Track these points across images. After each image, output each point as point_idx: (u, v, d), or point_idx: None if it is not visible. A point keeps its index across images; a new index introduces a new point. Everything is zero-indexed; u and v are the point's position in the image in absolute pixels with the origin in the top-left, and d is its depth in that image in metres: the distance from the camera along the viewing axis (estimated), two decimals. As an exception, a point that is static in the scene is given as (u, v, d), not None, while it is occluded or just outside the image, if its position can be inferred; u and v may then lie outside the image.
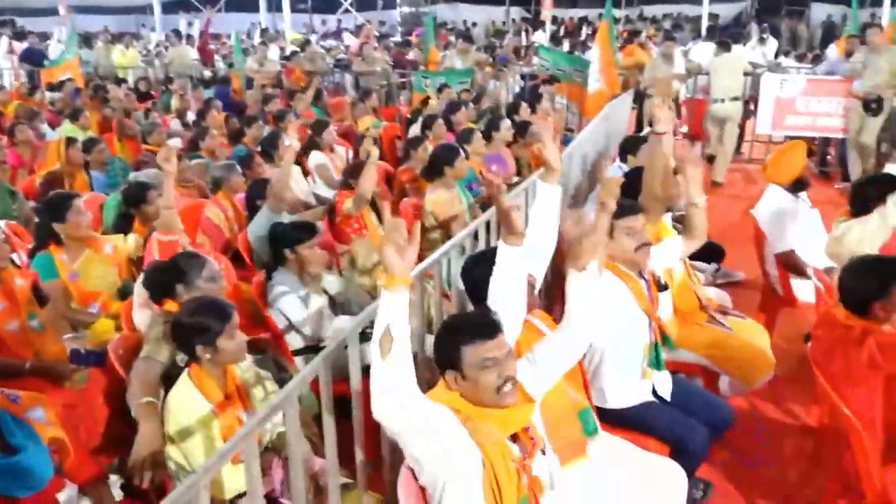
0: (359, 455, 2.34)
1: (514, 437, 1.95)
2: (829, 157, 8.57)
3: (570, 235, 2.21)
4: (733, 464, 3.24)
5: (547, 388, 2.16)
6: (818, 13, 18.67)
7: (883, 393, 2.41)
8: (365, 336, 2.87)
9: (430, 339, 2.98)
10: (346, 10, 23.41)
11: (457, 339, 1.93)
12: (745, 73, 8.47)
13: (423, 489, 2.00)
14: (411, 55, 13.34)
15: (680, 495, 2.35)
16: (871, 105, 7.25)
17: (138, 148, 6.44)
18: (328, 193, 5.38)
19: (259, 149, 5.48)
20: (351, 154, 6.17)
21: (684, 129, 9.22)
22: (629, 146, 5.17)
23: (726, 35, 8.88)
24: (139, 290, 3.02)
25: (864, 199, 3.40)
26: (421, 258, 3.83)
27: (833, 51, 10.55)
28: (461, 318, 2.03)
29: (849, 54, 8.33)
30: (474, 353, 1.90)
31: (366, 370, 2.35)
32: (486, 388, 1.90)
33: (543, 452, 2.03)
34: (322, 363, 2.06)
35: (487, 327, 1.95)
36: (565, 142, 6.57)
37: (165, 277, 2.76)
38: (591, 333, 2.26)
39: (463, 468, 1.84)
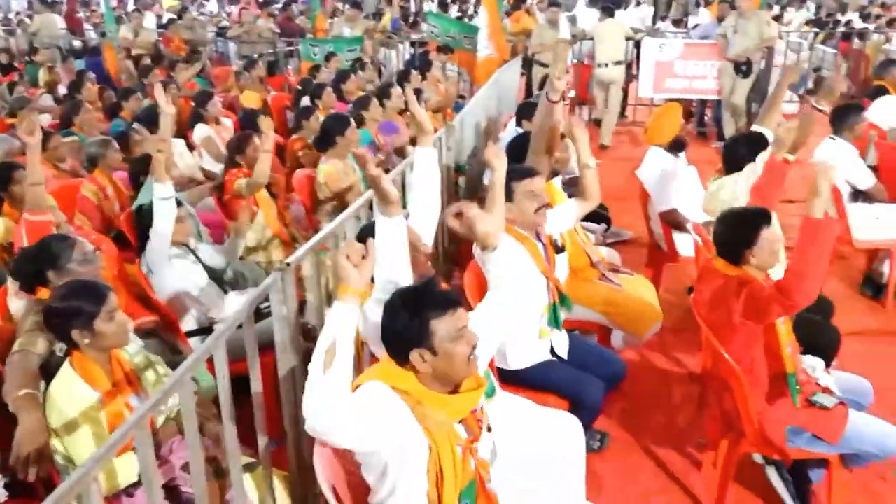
0: (260, 433, 2.29)
1: (462, 420, 1.91)
2: (706, 117, 9.00)
3: (459, 230, 2.20)
4: (628, 413, 3.40)
5: (485, 364, 2.15)
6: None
7: (763, 337, 2.58)
8: (260, 314, 2.83)
9: (327, 312, 2.95)
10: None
11: (424, 314, 1.82)
12: (627, 38, 8.74)
13: (343, 466, 1.99)
14: (299, 22, 12.94)
15: (579, 448, 2.45)
16: (742, 67, 7.66)
17: (3, 126, 5.96)
18: (216, 167, 5.18)
19: (137, 124, 5.18)
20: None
21: (572, 94, 9.44)
22: (525, 111, 5.24)
23: (609, 1, 9.11)
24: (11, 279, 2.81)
25: (735, 157, 3.59)
26: (316, 230, 3.79)
27: (706, 15, 11.03)
28: (420, 292, 1.88)
29: (720, 19, 8.73)
30: (446, 326, 1.82)
31: (262, 348, 2.32)
32: (461, 359, 1.84)
33: (490, 430, 2.01)
34: (216, 343, 1.99)
35: (452, 297, 1.88)
36: (457, 108, 6.58)
37: (34, 264, 2.59)
38: (519, 295, 2.23)
39: (407, 455, 1.79)
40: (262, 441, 2.30)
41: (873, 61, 9.65)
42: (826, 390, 2.61)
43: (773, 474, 2.81)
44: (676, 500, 2.88)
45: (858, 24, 11.94)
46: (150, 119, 5.08)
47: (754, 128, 3.67)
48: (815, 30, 11.60)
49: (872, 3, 13.19)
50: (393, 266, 2.13)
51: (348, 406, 1.71)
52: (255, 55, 9.02)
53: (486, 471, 1.91)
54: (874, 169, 4.92)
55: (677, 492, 2.93)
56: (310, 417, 1.68)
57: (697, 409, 3.43)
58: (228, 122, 6.02)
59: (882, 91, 6.14)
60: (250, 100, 6.46)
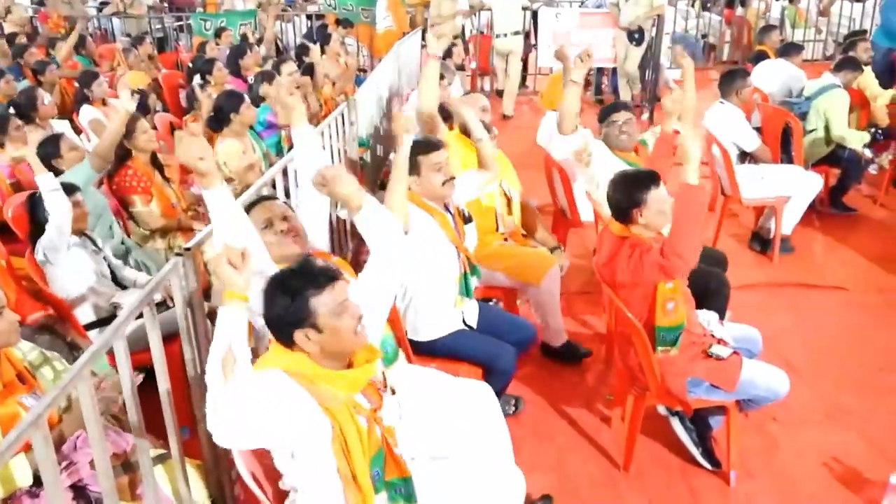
0: (169, 423, 2.22)
1: (362, 391, 1.91)
2: (603, 85, 9.24)
3: (322, 192, 2.21)
4: (539, 376, 3.49)
5: (379, 331, 2.14)
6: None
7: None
8: (160, 305, 2.73)
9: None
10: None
11: (303, 293, 1.80)
12: (524, 8, 8.83)
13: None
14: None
15: (493, 413, 2.50)
16: (634, 35, 7.89)
17: None
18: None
19: (13, 109, 4.84)
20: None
21: (473, 64, 9.48)
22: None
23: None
24: None
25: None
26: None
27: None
28: (295, 273, 1.86)
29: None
30: (326, 302, 1.81)
31: (166, 337, 2.24)
32: (347, 332, 1.83)
33: (393, 392, 2.01)
34: (115, 334, 1.91)
35: (329, 272, 1.86)
36: (358, 82, 6.49)
37: None
38: (402, 260, 2.21)
39: (311, 436, 1.78)
40: (171, 430, 2.23)
41: (755, 27, 10.14)
42: (721, 342, 2.76)
43: (676, 424, 2.96)
44: (589, 456, 3.00)
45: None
46: (27, 104, 4.76)
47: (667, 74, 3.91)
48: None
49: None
50: (235, 235, 2.09)
51: (252, 411, 1.71)
52: (143, 31, 8.59)
53: (392, 437, 1.92)
54: (759, 130, 5.19)
55: (589, 448, 3.04)
56: (217, 430, 1.68)
57: (605, 368, 3.56)
58: (117, 103, 5.71)
59: (763, 56, 6.47)
60: (136, 80, 6.14)
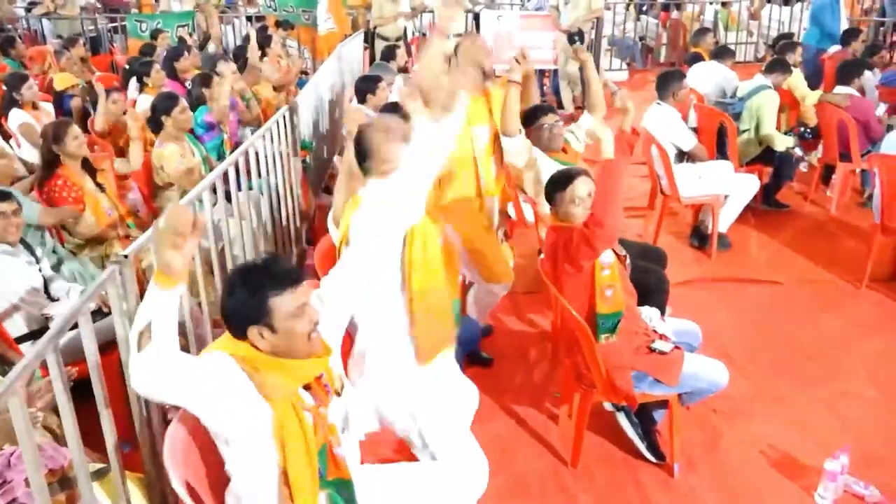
0: (108, 436, 2.15)
1: (307, 386, 1.86)
2: (545, 87, 9.35)
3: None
4: (486, 375, 3.51)
5: (340, 333, 2.08)
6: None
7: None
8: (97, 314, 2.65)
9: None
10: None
11: (263, 292, 1.76)
12: (466, 10, 8.87)
13: (199, 449, 1.92)
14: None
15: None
16: (574, 38, 8.01)
17: None
18: (37, 157, 4.74)
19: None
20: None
21: (416, 66, 9.46)
22: (364, 86, 5.18)
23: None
24: None
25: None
26: (156, 216, 3.59)
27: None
28: (260, 269, 1.80)
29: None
30: (286, 303, 1.76)
31: (103, 347, 2.18)
32: (301, 336, 1.79)
33: (339, 394, 1.96)
34: (48, 346, 1.84)
35: (294, 274, 1.82)
36: (300, 84, 6.43)
37: None
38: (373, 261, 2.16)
39: (248, 423, 1.73)
40: (111, 445, 2.16)
41: (690, 30, 10.42)
42: (663, 337, 2.82)
43: (622, 420, 3.02)
44: (537, 453, 3.03)
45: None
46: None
47: (584, 117, 3.91)
48: (638, 1, 12.31)
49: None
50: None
51: (177, 366, 1.67)
52: (75, 33, 8.32)
53: (334, 435, 1.88)
54: (695, 130, 5.34)
55: (537, 445, 3.08)
56: (136, 385, 1.65)
57: (551, 366, 3.61)
58: (48, 107, 5.54)
59: (698, 58, 6.66)
60: (63, 82, 5.93)
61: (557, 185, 2.83)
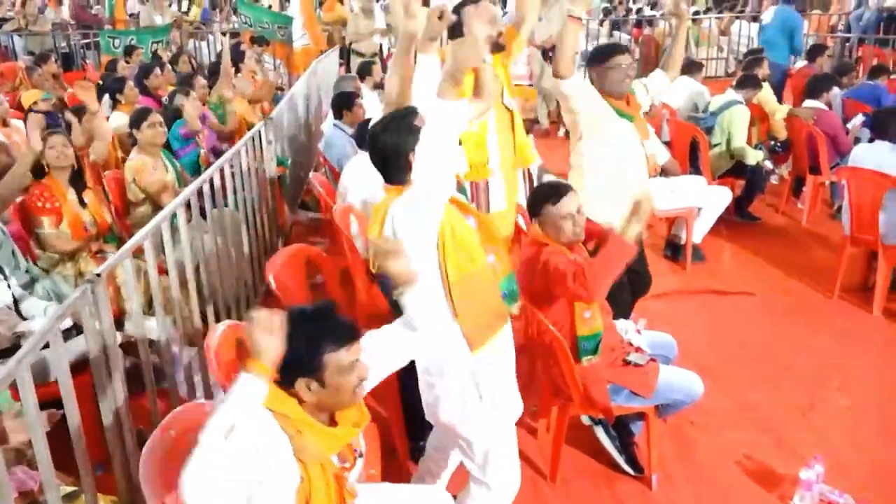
0: (81, 459, 2.12)
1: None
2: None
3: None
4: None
5: (375, 384, 2.01)
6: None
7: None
8: (71, 332, 2.61)
9: (148, 322, 2.79)
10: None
11: (320, 346, 1.70)
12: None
13: (178, 470, 1.87)
14: (95, 11, 11.95)
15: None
16: (549, 53, 8.10)
17: None
18: (8, 175, 4.68)
19: None
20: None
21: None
22: (341, 102, 5.19)
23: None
24: None
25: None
26: (130, 234, 3.55)
27: (512, 4, 11.52)
28: (320, 319, 1.74)
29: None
30: (340, 360, 1.71)
31: (74, 367, 2.15)
32: (347, 391, 1.75)
33: (361, 457, 1.94)
34: (18, 366, 1.81)
35: (352, 330, 1.76)
36: (276, 100, 6.42)
37: None
38: (419, 345, 2.12)
39: (274, 483, 1.66)
40: (83, 466, 2.13)
41: (662, 46, 10.58)
42: (638, 349, 2.84)
43: (600, 433, 3.03)
44: (516, 468, 3.02)
45: (647, 12, 13.03)
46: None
47: (658, 73, 3.65)
48: (616, 18, 12.51)
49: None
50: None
51: (229, 478, 1.56)
52: (47, 49, 8.25)
53: (351, 499, 1.86)
54: (668, 145, 5.42)
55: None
56: (189, 491, 1.51)
57: (528, 379, 3.59)
58: (19, 124, 5.47)
59: (669, 73, 6.74)
60: (32, 97, 5.86)
61: (547, 198, 2.72)
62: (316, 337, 1.71)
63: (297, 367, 1.70)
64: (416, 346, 2.12)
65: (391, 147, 2.11)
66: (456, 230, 2.17)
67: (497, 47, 2.97)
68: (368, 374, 1.80)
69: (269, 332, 1.60)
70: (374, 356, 1.92)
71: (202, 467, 1.52)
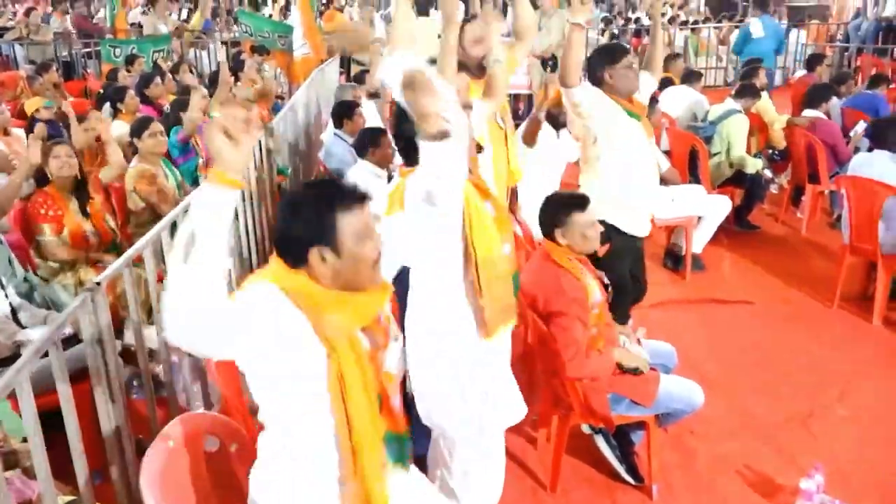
0: (79, 468, 2.11)
1: (363, 328, 1.67)
2: (520, 111, 9.44)
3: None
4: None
5: (393, 274, 1.90)
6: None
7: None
8: (70, 341, 2.60)
9: (148, 331, 2.78)
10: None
11: (331, 206, 1.57)
12: (440, 36, 8.95)
13: (180, 474, 1.87)
14: (97, 20, 11.99)
15: None
16: (548, 62, 8.13)
17: None
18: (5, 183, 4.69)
19: None
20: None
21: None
22: (341, 111, 5.21)
23: (422, 0, 9.31)
24: None
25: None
26: (130, 243, 3.56)
27: (511, 14, 11.57)
28: (325, 186, 1.65)
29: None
30: (353, 222, 1.58)
31: (75, 375, 2.14)
32: (366, 263, 1.61)
33: (396, 340, 1.79)
34: (17, 375, 1.81)
35: (361, 192, 1.63)
36: (275, 109, 6.44)
37: None
38: (451, 210, 2.03)
39: (300, 367, 1.54)
40: (81, 476, 2.12)
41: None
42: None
43: (601, 442, 3.02)
44: (516, 477, 3.00)
45: (646, 21, 13.07)
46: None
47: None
48: (615, 28, 12.56)
49: (658, 2, 14.47)
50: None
51: (217, 303, 1.44)
52: (48, 58, 8.27)
53: (390, 384, 1.70)
54: (667, 154, 5.43)
55: (516, 469, 3.05)
56: (169, 320, 1.41)
57: (529, 389, 3.59)
58: (20, 133, 5.48)
59: (669, 82, 6.77)
60: (34, 105, 5.88)
61: (576, 206, 2.70)
62: (325, 199, 1.60)
63: (307, 235, 1.58)
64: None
65: (411, 134, 2.03)
66: (480, 210, 2.15)
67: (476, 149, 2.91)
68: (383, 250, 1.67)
69: (229, 135, 1.41)
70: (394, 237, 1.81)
71: (172, 291, 1.40)
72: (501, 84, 2.90)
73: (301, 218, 1.59)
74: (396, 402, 1.72)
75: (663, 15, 13.00)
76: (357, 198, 1.62)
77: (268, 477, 1.70)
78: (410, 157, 2.12)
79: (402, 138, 2.17)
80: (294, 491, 1.66)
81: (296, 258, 1.60)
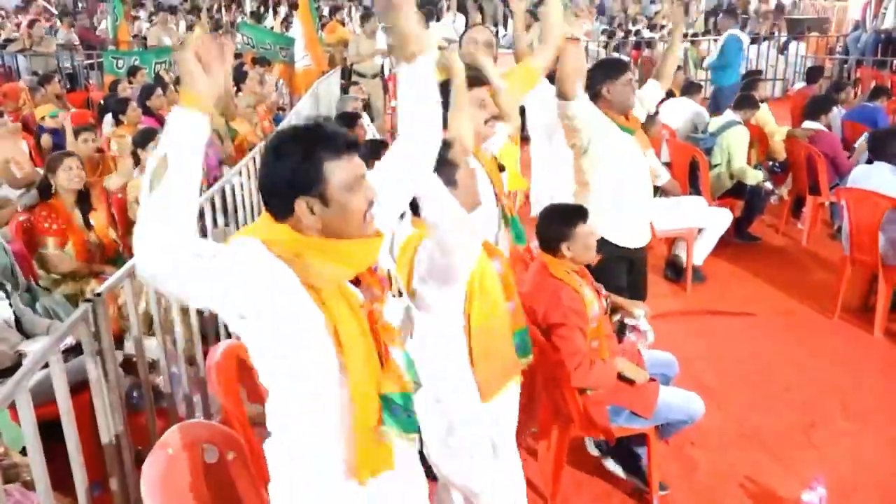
0: (79, 480, 2.11)
1: (356, 282, 1.57)
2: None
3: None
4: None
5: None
6: (500, -9, 20.56)
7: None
8: (72, 351, 2.61)
9: (149, 342, 2.79)
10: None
11: (317, 154, 1.47)
12: (440, 48, 8.99)
13: (180, 480, 1.86)
14: (100, 32, 12.06)
15: None
16: (548, 76, 8.15)
17: None
18: (11, 194, 4.71)
19: None
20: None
21: (393, 103, 9.56)
22: (344, 123, 5.22)
23: (422, 10, 9.36)
24: None
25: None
26: (131, 253, 3.57)
27: (511, 26, 11.65)
28: (313, 130, 1.52)
29: (527, 27, 9.23)
30: (342, 171, 1.49)
31: (75, 386, 2.14)
32: (356, 214, 1.52)
33: (401, 294, 1.71)
34: (17, 387, 1.81)
35: (350, 138, 1.55)
36: (277, 120, 6.47)
37: None
38: (435, 141, 1.86)
39: (292, 325, 1.46)
40: (81, 488, 2.12)
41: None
42: (635, 329, 2.86)
43: (611, 465, 3.03)
44: (516, 490, 3.00)
45: (646, 34, 13.14)
46: None
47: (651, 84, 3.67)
48: (616, 41, 12.61)
49: (657, 15, 14.56)
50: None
51: (191, 239, 1.37)
52: (51, 69, 8.31)
53: (391, 337, 1.61)
54: (668, 165, 5.44)
55: (516, 481, 3.05)
56: (139, 249, 1.34)
57: (528, 401, 3.58)
58: (22, 144, 5.50)
59: (669, 94, 6.80)
60: (43, 112, 5.91)
61: (579, 217, 2.72)
62: (311, 144, 1.50)
63: (293, 183, 1.49)
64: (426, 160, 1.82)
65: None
66: (484, 278, 2.15)
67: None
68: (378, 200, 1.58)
69: (202, 61, 1.37)
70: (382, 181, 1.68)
71: (141, 223, 1.34)
72: (509, 109, 2.86)
73: (286, 165, 1.50)
74: (398, 357, 1.62)
75: (662, 27, 13.15)
76: (346, 144, 1.53)
77: (283, 484, 1.64)
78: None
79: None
80: (309, 491, 1.60)
81: (282, 209, 1.52)
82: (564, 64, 3.16)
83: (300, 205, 1.49)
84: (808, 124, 5.67)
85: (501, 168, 2.96)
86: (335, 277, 1.51)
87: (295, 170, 1.49)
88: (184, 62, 1.37)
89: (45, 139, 4.63)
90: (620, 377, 2.74)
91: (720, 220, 4.96)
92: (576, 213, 2.77)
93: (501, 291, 2.23)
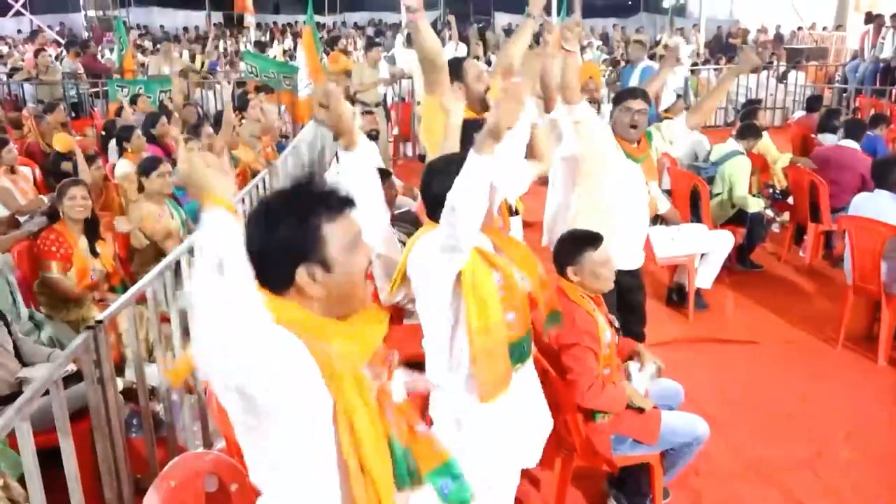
0: (77, 508, 2.09)
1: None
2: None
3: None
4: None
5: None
6: (501, 20, 20.79)
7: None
8: (72, 378, 2.59)
9: (150, 368, 2.78)
10: (19, 13, 20.51)
11: (316, 217, 1.38)
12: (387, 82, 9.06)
13: None
14: (105, 61, 12.21)
15: None
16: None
17: None
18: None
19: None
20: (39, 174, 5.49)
21: (395, 130, 9.64)
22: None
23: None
24: None
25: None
26: (133, 280, 3.57)
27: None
28: (305, 190, 1.42)
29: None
30: (341, 231, 1.40)
31: (73, 414, 2.13)
32: (359, 276, 1.44)
33: (396, 367, 1.60)
34: (17, 415, 1.80)
35: (344, 195, 1.44)
36: (280, 148, 6.50)
37: None
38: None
39: (305, 411, 1.31)
40: (79, 516, 2.10)
41: (661, 96, 10.71)
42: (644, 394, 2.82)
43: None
44: (518, 520, 2.97)
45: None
46: None
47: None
48: (618, 70, 12.71)
49: (658, 45, 14.69)
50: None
51: (259, 313, 1.26)
52: (56, 98, 8.40)
53: (407, 413, 1.51)
54: (668, 193, 5.45)
55: (519, 511, 3.02)
56: (202, 342, 1.28)
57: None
58: (27, 171, 5.54)
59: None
60: (63, 143, 5.95)
61: (589, 244, 2.71)
62: (306, 206, 1.40)
63: (291, 251, 1.38)
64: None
65: (441, 190, 2.02)
66: (477, 285, 2.15)
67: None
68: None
69: (209, 167, 1.30)
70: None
71: (207, 323, 1.25)
72: (544, 146, 2.90)
73: (280, 233, 1.38)
74: (422, 427, 1.50)
75: (661, 57, 13.26)
76: (341, 202, 1.43)
77: None
78: (436, 212, 2.10)
79: (430, 193, 2.19)
80: None
81: (280, 280, 1.40)
82: (565, 73, 3.22)
83: (301, 274, 1.38)
84: (824, 137, 5.67)
85: (515, 212, 3.00)
86: (354, 360, 1.38)
87: (291, 237, 1.38)
88: (197, 169, 1.29)
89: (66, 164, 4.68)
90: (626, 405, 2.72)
91: (723, 242, 4.95)
92: (585, 240, 2.76)
93: (499, 302, 2.22)
